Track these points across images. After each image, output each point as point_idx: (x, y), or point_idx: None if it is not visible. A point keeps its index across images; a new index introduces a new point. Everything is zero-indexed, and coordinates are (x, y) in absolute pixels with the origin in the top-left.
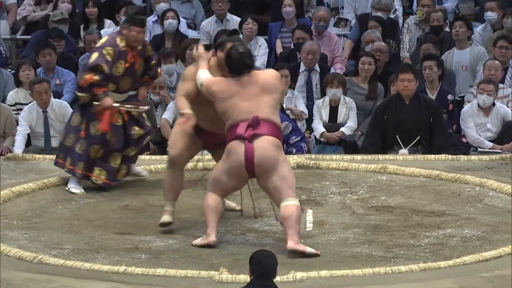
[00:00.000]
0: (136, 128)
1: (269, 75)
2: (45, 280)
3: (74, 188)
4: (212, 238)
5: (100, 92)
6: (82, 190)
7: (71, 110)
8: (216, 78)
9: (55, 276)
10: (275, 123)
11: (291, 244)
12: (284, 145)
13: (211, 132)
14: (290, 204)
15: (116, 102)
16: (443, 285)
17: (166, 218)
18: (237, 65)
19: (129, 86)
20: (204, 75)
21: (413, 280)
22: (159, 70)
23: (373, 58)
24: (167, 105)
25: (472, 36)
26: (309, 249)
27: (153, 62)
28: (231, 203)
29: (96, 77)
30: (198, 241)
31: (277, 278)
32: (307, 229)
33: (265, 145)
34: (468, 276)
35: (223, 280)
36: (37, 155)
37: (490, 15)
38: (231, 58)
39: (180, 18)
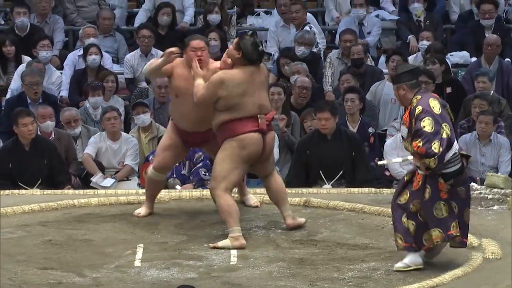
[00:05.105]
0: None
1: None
2: None
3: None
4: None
5: None
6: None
7: None
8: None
9: None
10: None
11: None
12: (191, 177)
13: (189, 133)
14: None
15: None
16: None
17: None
18: (254, 54)
19: None
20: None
21: None
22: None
23: (282, 88)
24: (89, 139)
25: None
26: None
27: None
28: (251, 199)
29: None
30: (222, 243)
31: None
32: (231, 263)
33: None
34: None
35: None
36: None
37: (425, 43)
38: (249, 46)
39: (103, 52)
